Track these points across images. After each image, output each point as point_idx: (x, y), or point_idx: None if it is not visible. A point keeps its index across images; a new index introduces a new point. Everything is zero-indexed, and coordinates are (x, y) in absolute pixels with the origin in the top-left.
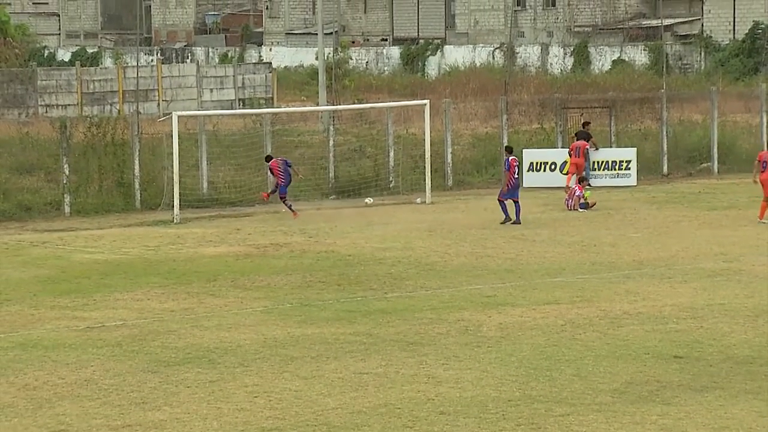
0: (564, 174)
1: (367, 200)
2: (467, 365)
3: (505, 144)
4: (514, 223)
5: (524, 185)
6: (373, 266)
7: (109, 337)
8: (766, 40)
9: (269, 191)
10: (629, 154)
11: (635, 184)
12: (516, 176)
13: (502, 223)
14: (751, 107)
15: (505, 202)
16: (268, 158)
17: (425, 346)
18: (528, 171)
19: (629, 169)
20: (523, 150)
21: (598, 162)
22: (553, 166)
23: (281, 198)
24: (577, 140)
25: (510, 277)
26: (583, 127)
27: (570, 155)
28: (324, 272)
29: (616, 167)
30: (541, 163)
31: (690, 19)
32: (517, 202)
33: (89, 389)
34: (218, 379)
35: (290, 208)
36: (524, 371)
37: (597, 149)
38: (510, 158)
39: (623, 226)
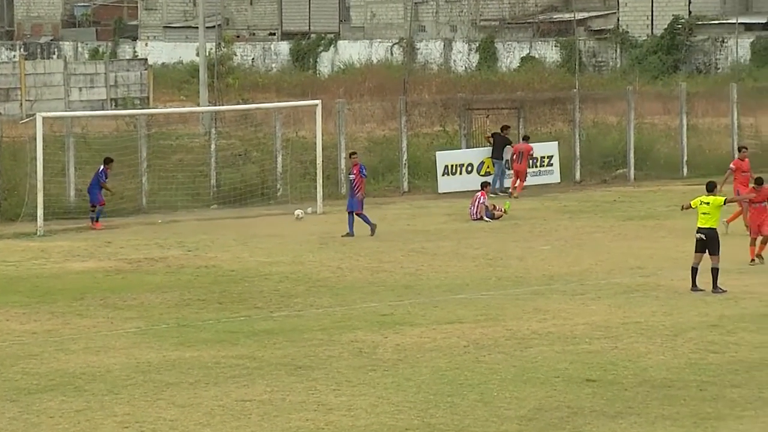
0: (482, 175)
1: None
2: (361, 391)
3: (408, 147)
4: (347, 235)
5: (438, 191)
6: (258, 283)
7: None
8: (686, 36)
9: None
10: (551, 148)
11: (559, 181)
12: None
13: (342, 236)
14: (670, 108)
15: (359, 212)
16: (108, 160)
17: (315, 370)
18: (442, 175)
19: (552, 165)
20: (437, 153)
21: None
22: (469, 168)
23: (101, 204)
24: (494, 141)
25: (408, 293)
26: (502, 132)
27: (513, 160)
28: (204, 289)
29: (537, 164)
30: (456, 165)
31: (605, 12)
32: (359, 214)
33: None
34: (85, 408)
35: (95, 219)
36: (423, 397)
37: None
38: (361, 164)
39: (532, 237)
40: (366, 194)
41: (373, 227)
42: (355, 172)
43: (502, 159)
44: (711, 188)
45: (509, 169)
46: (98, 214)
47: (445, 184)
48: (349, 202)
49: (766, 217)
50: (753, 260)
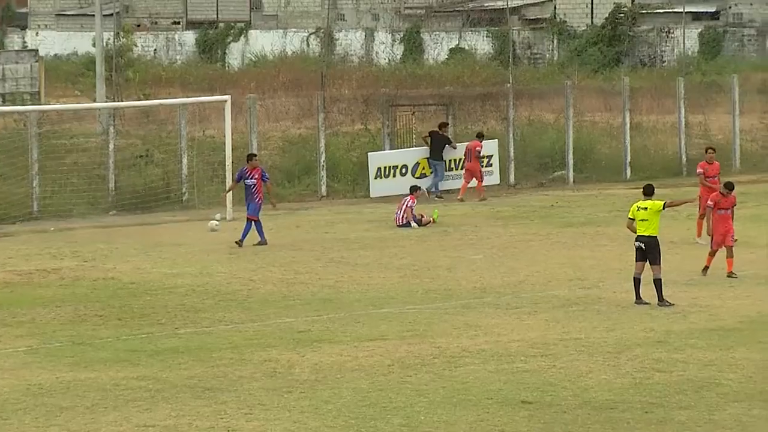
0: (417, 178)
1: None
2: (275, 415)
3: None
4: (259, 244)
5: (371, 195)
6: (162, 296)
7: None
8: (629, 26)
9: None
10: (490, 148)
11: (498, 182)
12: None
13: (248, 244)
14: (612, 105)
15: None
16: None
17: (224, 393)
18: (376, 178)
19: (491, 165)
20: (369, 154)
21: (455, 160)
22: (403, 170)
23: None
24: (431, 140)
25: (327, 308)
26: (440, 129)
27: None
28: (102, 304)
29: None
30: (390, 167)
31: (541, 0)
32: (250, 219)
33: None
34: None
35: None
36: (343, 421)
37: (455, 148)
38: (262, 168)
39: (462, 246)
40: (280, 199)
41: (241, 242)
42: (256, 176)
43: (442, 159)
44: (649, 192)
45: (449, 170)
46: None
47: (378, 187)
48: (251, 208)
49: (731, 226)
50: (707, 268)
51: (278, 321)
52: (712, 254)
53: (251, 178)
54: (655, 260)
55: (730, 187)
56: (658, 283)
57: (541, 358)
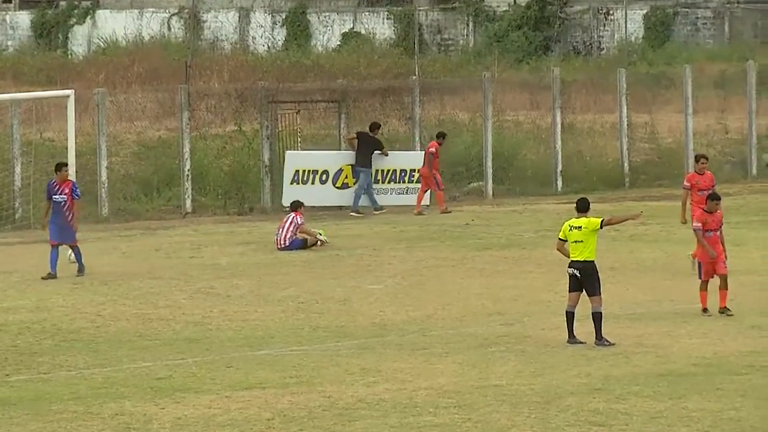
0: (338, 188)
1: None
2: None
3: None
4: (49, 276)
5: (283, 203)
6: None
7: None
8: (559, 6)
9: None
10: (419, 159)
11: (428, 203)
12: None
13: (45, 278)
14: (539, 102)
15: (59, 246)
16: None
17: None
18: (292, 183)
19: (421, 181)
20: (287, 152)
21: (382, 171)
22: (324, 177)
23: None
24: (358, 142)
25: (194, 349)
26: (370, 131)
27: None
28: None
29: (406, 178)
30: (309, 171)
31: None
32: (77, 246)
33: None
34: None
35: None
36: None
37: (386, 155)
38: (74, 182)
39: (359, 273)
40: (135, 216)
41: (51, 275)
42: (66, 191)
43: (370, 167)
44: (583, 208)
45: (380, 182)
46: None
47: (292, 195)
48: (56, 231)
49: (721, 251)
50: (705, 310)
51: (132, 366)
52: (704, 288)
53: (60, 194)
54: (593, 290)
55: (715, 198)
56: (596, 317)
57: (453, 409)
